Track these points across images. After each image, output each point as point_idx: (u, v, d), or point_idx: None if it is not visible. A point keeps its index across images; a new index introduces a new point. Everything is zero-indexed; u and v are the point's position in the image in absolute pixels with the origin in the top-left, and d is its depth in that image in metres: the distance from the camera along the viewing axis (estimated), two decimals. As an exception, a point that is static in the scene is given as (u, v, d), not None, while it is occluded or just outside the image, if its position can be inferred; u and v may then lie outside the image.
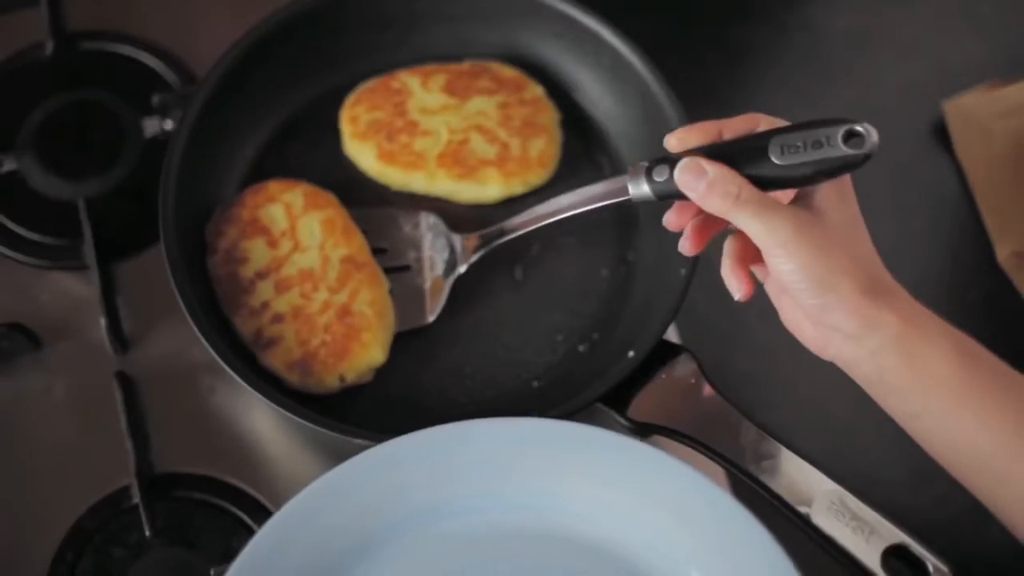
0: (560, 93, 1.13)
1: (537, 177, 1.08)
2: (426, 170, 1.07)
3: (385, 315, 1.01)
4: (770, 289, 0.89)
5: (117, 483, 1.03)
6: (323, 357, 0.99)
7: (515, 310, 1.05)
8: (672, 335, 1.05)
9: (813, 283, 0.80)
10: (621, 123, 1.11)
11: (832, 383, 1.05)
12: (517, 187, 1.07)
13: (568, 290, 1.07)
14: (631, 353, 0.97)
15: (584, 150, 1.11)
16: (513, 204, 1.09)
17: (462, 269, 1.04)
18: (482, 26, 1.13)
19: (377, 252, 1.05)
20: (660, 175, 0.85)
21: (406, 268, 1.05)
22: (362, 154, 1.08)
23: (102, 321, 1.06)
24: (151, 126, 1.14)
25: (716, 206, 0.81)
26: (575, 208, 0.97)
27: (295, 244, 1.02)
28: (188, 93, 1.11)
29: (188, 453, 1.04)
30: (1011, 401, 0.80)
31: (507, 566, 0.89)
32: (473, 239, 1.04)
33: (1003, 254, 1.13)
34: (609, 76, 1.10)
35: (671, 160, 0.85)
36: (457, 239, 1.05)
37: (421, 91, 1.10)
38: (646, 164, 0.86)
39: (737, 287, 0.87)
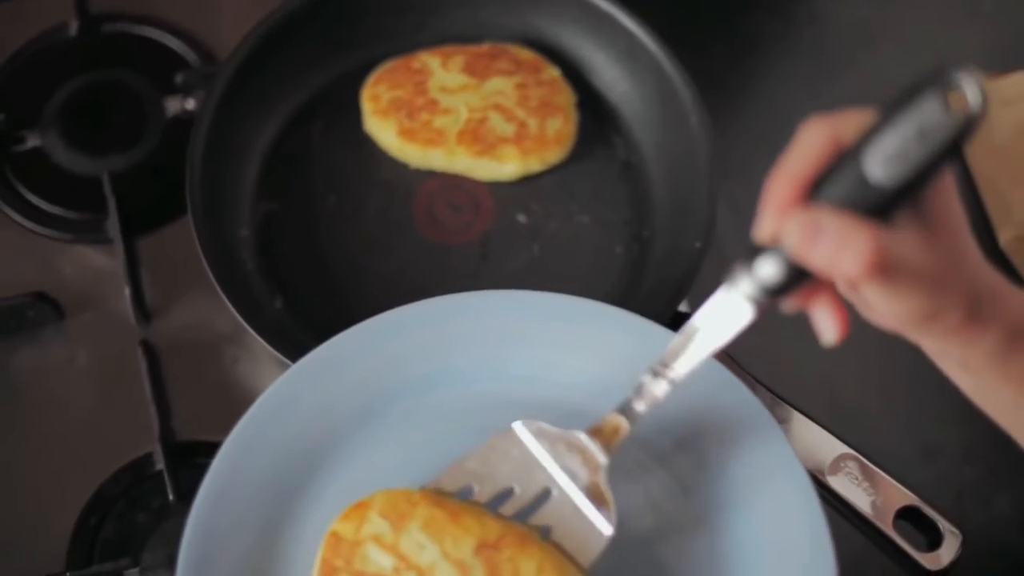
0: (576, 76, 1.15)
1: (554, 155, 1.10)
2: (446, 147, 1.09)
3: (563, 565, 0.83)
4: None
5: (139, 450, 1.05)
6: None
7: (533, 287, 1.06)
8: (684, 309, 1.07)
9: (918, 319, 0.69)
10: (636, 105, 1.13)
11: (839, 361, 1.08)
12: (534, 164, 1.10)
13: (584, 267, 1.09)
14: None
15: (599, 131, 1.14)
16: (530, 182, 1.11)
17: (606, 461, 0.83)
18: (500, 10, 1.15)
19: (504, 499, 0.85)
20: (766, 267, 0.68)
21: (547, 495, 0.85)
22: (383, 131, 1.10)
23: (126, 291, 1.08)
24: (173, 105, 1.17)
25: (847, 270, 0.65)
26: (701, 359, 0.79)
27: (418, 571, 0.83)
28: (211, 72, 1.13)
29: (210, 422, 1.05)
30: None
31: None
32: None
33: (1005, 238, 1.16)
34: (624, 60, 1.13)
35: (773, 252, 0.68)
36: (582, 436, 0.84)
37: (441, 71, 1.12)
38: (738, 266, 0.70)
39: (832, 327, 0.72)
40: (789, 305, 0.70)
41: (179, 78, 1.16)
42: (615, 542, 0.82)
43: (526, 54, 1.14)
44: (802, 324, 1.06)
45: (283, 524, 0.87)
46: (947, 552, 0.94)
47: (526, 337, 0.91)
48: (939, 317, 0.68)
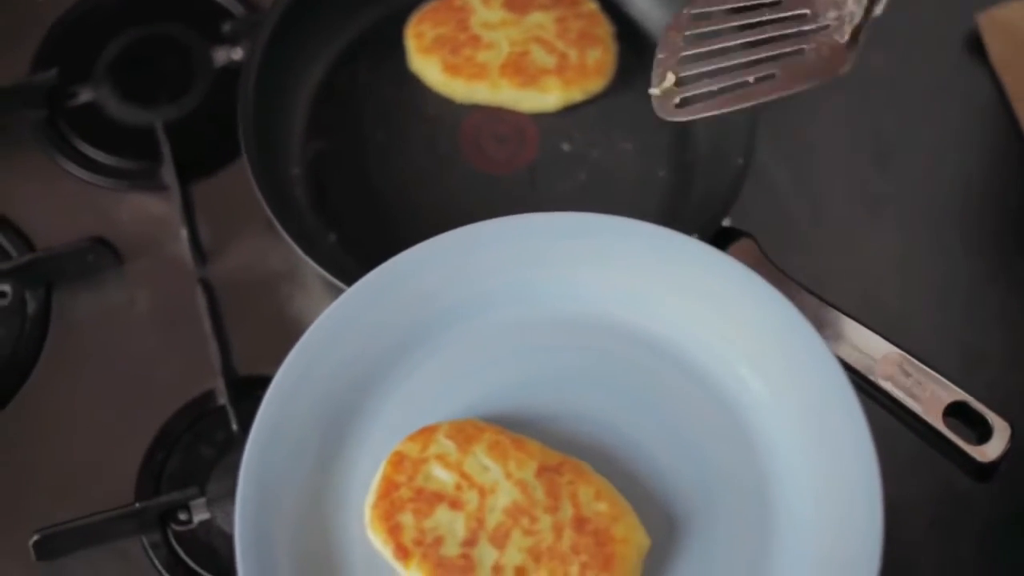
0: (613, 7, 1.18)
1: (595, 84, 1.12)
2: (489, 80, 1.12)
3: (617, 496, 0.87)
4: None
5: (201, 387, 1.08)
6: None
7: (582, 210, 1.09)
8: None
9: None
10: (673, 33, 1.15)
11: (882, 274, 1.10)
12: (576, 94, 1.12)
13: (629, 191, 1.12)
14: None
15: (638, 61, 1.15)
16: (572, 112, 1.13)
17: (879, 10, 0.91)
18: (536, -52, 1.18)
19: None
20: None
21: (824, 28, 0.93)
22: (428, 68, 1.13)
23: (183, 233, 1.10)
24: (220, 56, 1.20)
25: None
26: None
27: (479, 490, 0.87)
28: (257, 20, 1.16)
29: (268, 357, 1.05)
30: None
31: (561, 353, 0.93)
32: None
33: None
34: (657, -13, 1.15)
35: None
36: None
37: (482, 8, 1.15)
38: None
39: None
40: None
41: (226, 27, 1.19)
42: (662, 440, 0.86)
43: (564, -13, 1.16)
44: (847, 240, 1.09)
45: (339, 448, 0.90)
46: (997, 444, 0.95)
47: (568, 255, 0.94)
48: None
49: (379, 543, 0.86)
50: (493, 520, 0.85)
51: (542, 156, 1.13)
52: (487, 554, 0.84)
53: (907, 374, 0.97)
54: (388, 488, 0.86)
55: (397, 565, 0.85)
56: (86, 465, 1.05)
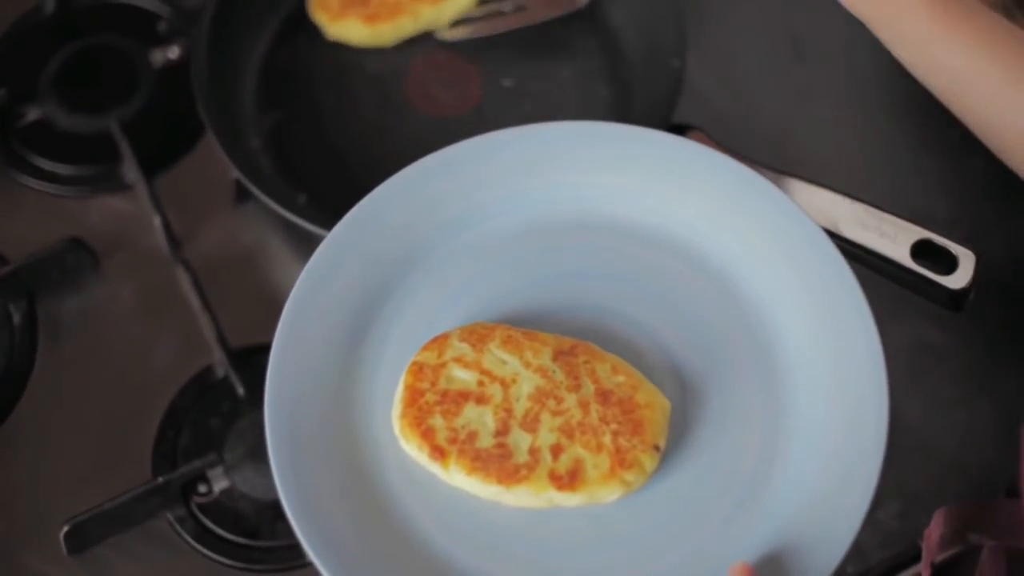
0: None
1: None
2: (409, 11, 1.18)
3: (631, 369, 0.90)
4: None
5: (198, 364, 1.10)
6: (624, 445, 0.87)
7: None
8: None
9: None
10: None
11: (820, 157, 1.16)
12: None
13: (576, 112, 1.17)
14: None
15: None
16: (507, 49, 1.20)
17: None
18: None
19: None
20: None
21: None
22: (349, 30, 1.18)
23: (156, 222, 1.13)
24: (158, 56, 1.24)
25: None
26: None
27: (501, 382, 0.89)
28: (188, 17, 1.22)
29: (256, 328, 1.08)
30: (976, 27, 0.90)
31: (559, 254, 0.96)
32: None
33: None
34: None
35: None
36: None
37: None
38: None
39: None
40: None
41: (162, 25, 1.23)
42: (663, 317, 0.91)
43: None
44: (783, 128, 1.15)
45: (357, 365, 0.92)
46: (965, 272, 1.01)
47: (565, 161, 0.97)
48: None
49: (413, 450, 0.88)
50: (521, 407, 0.87)
51: (487, 95, 1.18)
52: (521, 439, 0.86)
53: (870, 224, 1.02)
54: (413, 396, 0.88)
55: (435, 467, 0.87)
56: (100, 458, 1.08)
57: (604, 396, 0.87)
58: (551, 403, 0.87)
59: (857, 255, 1.02)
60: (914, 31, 0.91)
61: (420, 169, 0.96)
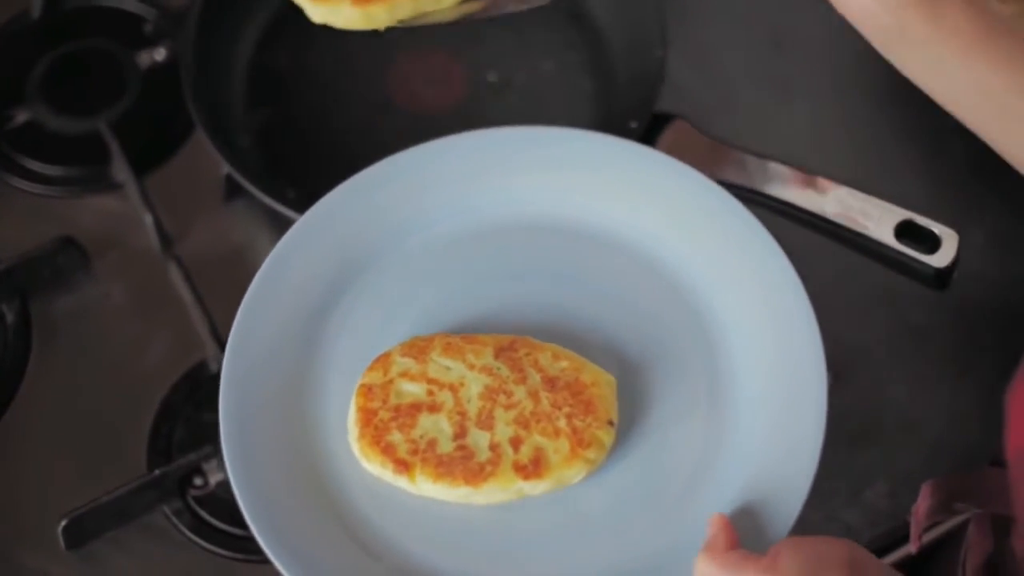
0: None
1: None
2: None
3: (571, 353, 0.93)
4: None
5: (192, 360, 1.11)
6: (579, 426, 0.89)
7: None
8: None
9: None
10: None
11: (800, 145, 1.17)
12: None
13: (561, 105, 1.20)
14: (633, 124, 1.08)
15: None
16: (490, 43, 1.21)
17: None
18: None
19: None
20: None
21: None
22: (337, 14, 1.15)
23: (148, 220, 1.14)
24: (144, 58, 1.25)
25: None
26: None
27: (450, 388, 0.91)
28: (173, 18, 1.23)
29: None
30: (1020, 45, 0.86)
31: (499, 257, 0.98)
32: None
33: None
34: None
35: None
36: None
37: None
38: None
39: None
40: None
41: (147, 27, 1.24)
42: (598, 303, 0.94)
43: None
44: (764, 117, 1.16)
45: (308, 375, 0.94)
46: (948, 250, 1.02)
47: (512, 165, 1.00)
48: None
49: (376, 468, 0.89)
50: (474, 408, 0.89)
51: (471, 90, 1.20)
52: (480, 438, 0.88)
53: (854, 206, 1.04)
54: (367, 417, 0.90)
55: (401, 481, 0.88)
56: (96, 454, 1.09)
57: (551, 383, 0.90)
58: (502, 398, 0.90)
59: (842, 237, 1.03)
60: (955, 49, 0.86)
61: (364, 178, 0.99)
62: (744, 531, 0.82)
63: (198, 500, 1.06)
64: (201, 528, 1.05)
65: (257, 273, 0.95)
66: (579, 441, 0.86)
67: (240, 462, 0.88)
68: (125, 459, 1.08)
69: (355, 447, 0.89)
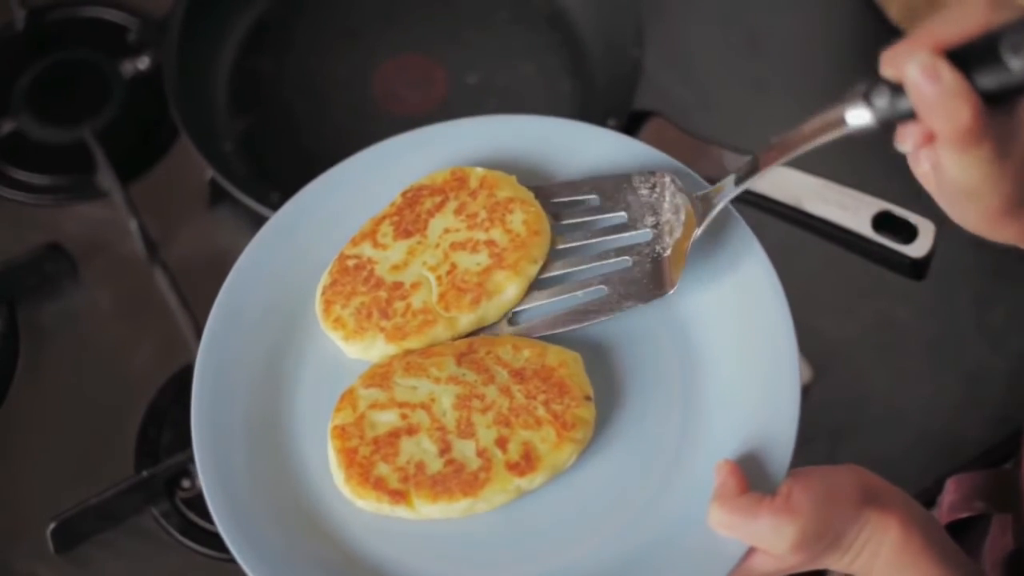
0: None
1: None
2: (443, 321, 0.95)
3: (528, 339, 0.91)
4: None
5: (178, 363, 1.12)
6: (559, 410, 0.87)
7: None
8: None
9: (971, 193, 0.73)
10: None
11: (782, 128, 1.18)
12: None
13: (542, 106, 1.20)
14: (611, 122, 1.09)
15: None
16: (471, 46, 1.22)
17: (699, 232, 0.87)
18: None
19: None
20: (879, 99, 0.71)
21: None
22: (371, 350, 0.96)
23: (133, 226, 1.15)
24: (128, 67, 1.26)
25: (939, 125, 0.68)
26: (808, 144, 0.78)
27: (422, 406, 0.88)
28: (156, 28, 1.24)
29: None
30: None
31: None
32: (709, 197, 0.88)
33: (894, 11, 1.26)
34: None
35: (889, 84, 0.71)
36: (687, 199, 0.88)
37: None
38: (862, 89, 0.72)
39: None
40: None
41: (131, 37, 1.25)
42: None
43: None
44: (740, 115, 1.18)
45: (279, 420, 0.91)
46: (925, 240, 1.04)
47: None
48: (991, 199, 0.72)
49: (372, 504, 0.87)
50: (451, 420, 0.87)
51: (453, 92, 1.21)
52: (466, 448, 0.86)
53: (832, 198, 1.05)
54: (348, 458, 0.87)
55: (400, 511, 0.86)
56: (84, 458, 1.10)
57: (519, 375, 0.88)
58: (476, 403, 0.88)
59: (821, 229, 1.05)
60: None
61: (318, 185, 0.98)
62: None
63: (186, 502, 1.07)
64: (189, 530, 1.06)
65: (214, 306, 0.94)
66: (563, 425, 0.86)
67: (225, 509, 0.85)
68: (113, 462, 1.09)
69: (344, 489, 0.87)
